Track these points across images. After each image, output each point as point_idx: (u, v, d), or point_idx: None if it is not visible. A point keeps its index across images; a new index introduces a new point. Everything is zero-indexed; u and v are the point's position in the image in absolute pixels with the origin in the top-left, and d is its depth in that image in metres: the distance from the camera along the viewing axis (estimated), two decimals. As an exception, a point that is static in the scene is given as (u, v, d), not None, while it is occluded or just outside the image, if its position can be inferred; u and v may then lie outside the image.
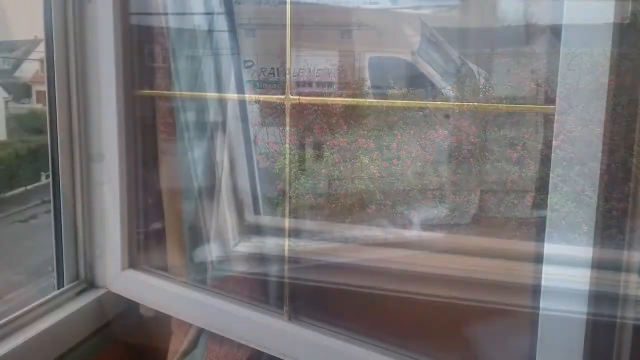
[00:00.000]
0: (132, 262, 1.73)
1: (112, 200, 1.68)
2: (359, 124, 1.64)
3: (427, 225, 1.58)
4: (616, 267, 0.98)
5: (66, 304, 1.64)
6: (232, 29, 1.63)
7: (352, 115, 1.64)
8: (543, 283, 1.04)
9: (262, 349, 1.46)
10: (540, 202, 1.13)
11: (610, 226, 0.98)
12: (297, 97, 1.43)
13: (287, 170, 1.48)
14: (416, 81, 1.52)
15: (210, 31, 1.65)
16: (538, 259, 1.06)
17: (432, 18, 1.45)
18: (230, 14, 1.64)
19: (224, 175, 1.63)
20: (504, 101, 1.43)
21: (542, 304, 1.05)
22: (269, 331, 1.46)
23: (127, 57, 1.65)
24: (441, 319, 1.49)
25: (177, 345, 1.72)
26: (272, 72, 1.69)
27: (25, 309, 1.53)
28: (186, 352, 1.67)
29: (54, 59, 1.63)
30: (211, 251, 1.66)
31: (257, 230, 1.65)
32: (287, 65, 1.44)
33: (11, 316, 1.48)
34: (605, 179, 0.96)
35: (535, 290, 1.08)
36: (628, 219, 0.96)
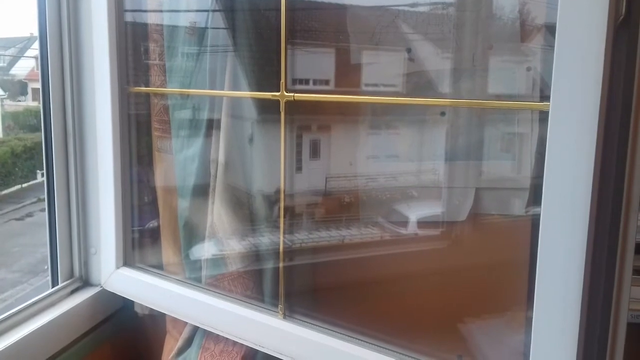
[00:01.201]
0: (127, 260, 1.73)
1: (106, 198, 1.68)
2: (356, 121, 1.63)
3: (423, 223, 1.57)
4: (610, 263, 0.98)
5: (61, 302, 1.64)
6: (229, 26, 1.62)
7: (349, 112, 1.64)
8: (537, 280, 1.04)
9: (257, 347, 1.46)
10: (536, 198, 1.13)
11: (604, 222, 0.98)
12: (292, 94, 1.42)
13: (282, 167, 1.48)
14: (412, 78, 1.52)
15: (205, 28, 1.64)
16: (533, 255, 1.06)
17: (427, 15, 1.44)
18: (226, 10, 1.63)
19: (219, 173, 1.62)
20: (501, 98, 1.43)
21: (536, 301, 1.05)
22: (264, 329, 1.45)
23: (122, 54, 1.65)
24: (438, 315, 1.50)
25: (172, 343, 1.72)
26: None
27: (20, 307, 1.53)
28: (181, 350, 1.67)
29: (48, 56, 1.62)
30: (206, 249, 1.66)
31: (252, 228, 1.65)
32: (282, 62, 1.43)
33: (5, 314, 1.47)
34: (600, 174, 0.96)
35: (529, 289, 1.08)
36: (622, 215, 0.95)
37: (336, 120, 1.66)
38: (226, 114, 1.62)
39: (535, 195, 1.25)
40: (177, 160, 1.70)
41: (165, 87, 1.70)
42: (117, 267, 1.70)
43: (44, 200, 1.72)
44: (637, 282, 1.12)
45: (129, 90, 1.69)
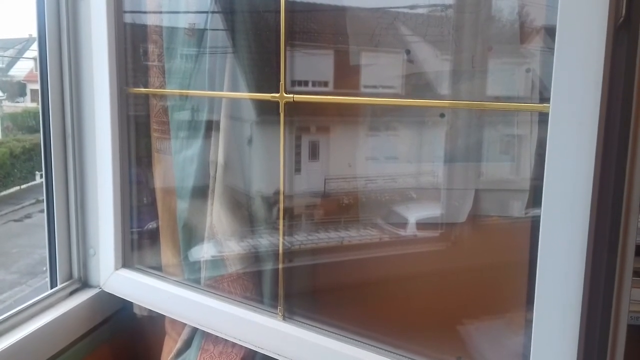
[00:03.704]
0: (126, 262, 1.73)
1: (105, 199, 1.68)
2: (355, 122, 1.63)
3: (423, 224, 1.57)
4: (611, 265, 0.98)
5: (59, 304, 1.64)
6: (228, 28, 1.62)
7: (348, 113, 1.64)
8: (537, 282, 1.04)
9: (256, 349, 1.45)
10: (535, 200, 1.13)
11: (604, 223, 0.98)
12: (292, 95, 1.42)
13: (281, 168, 1.47)
14: (411, 80, 1.52)
15: (204, 29, 1.64)
16: (532, 257, 1.06)
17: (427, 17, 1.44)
18: (225, 12, 1.63)
19: (218, 174, 1.62)
20: (500, 100, 1.43)
21: (536, 303, 1.05)
22: (263, 330, 1.45)
23: (121, 55, 1.65)
24: (437, 316, 1.49)
25: (170, 344, 1.72)
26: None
27: (18, 308, 1.52)
28: (180, 352, 1.66)
29: (47, 57, 1.62)
30: (205, 250, 1.65)
31: (251, 230, 1.65)
32: (282, 64, 1.43)
33: (4, 316, 1.47)
34: (600, 176, 0.96)
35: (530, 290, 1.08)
36: (622, 216, 0.95)
37: (335, 122, 1.66)
38: (225, 116, 1.62)
39: (534, 197, 1.25)
40: (176, 161, 1.70)
41: (164, 89, 1.70)
42: (116, 269, 1.70)
43: (42, 201, 1.72)
44: (638, 283, 1.12)
45: (128, 92, 1.69)
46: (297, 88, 1.55)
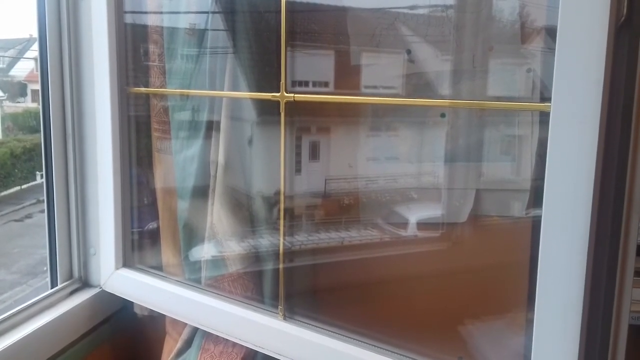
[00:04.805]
0: (127, 261, 1.73)
1: (106, 198, 1.68)
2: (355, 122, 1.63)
3: (423, 224, 1.57)
4: (612, 265, 0.98)
5: (60, 303, 1.64)
6: (228, 28, 1.62)
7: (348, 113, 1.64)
8: (539, 281, 1.04)
9: (256, 348, 1.45)
10: (536, 200, 1.13)
11: (605, 223, 0.97)
12: (292, 94, 1.42)
13: (282, 168, 1.47)
14: (412, 80, 1.52)
15: (205, 29, 1.64)
16: (533, 257, 1.06)
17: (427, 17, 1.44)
18: (226, 12, 1.63)
19: (218, 174, 1.62)
20: (501, 100, 1.43)
21: (537, 302, 1.05)
22: (264, 330, 1.45)
23: (122, 55, 1.65)
24: (438, 316, 1.49)
25: (171, 344, 1.72)
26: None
27: (18, 308, 1.52)
28: (180, 352, 1.66)
29: (48, 57, 1.62)
30: (206, 250, 1.65)
31: (252, 230, 1.65)
32: (282, 63, 1.43)
33: (4, 315, 1.47)
34: (601, 175, 0.96)
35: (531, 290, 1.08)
36: (623, 216, 0.95)
37: (335, 122, 1.66)
38: (226, 116, 1.62)
39: (535, 197, 1.25)
40: (177, 161, 1.70)
41: (164, 89, 1.70)
42: (117, 268, 1.70)
43: (43, 201, 1.72)
44: (639, 283, 1.11)
45: (129, 91, 1.69)
46: (297, 88, 1.55)
